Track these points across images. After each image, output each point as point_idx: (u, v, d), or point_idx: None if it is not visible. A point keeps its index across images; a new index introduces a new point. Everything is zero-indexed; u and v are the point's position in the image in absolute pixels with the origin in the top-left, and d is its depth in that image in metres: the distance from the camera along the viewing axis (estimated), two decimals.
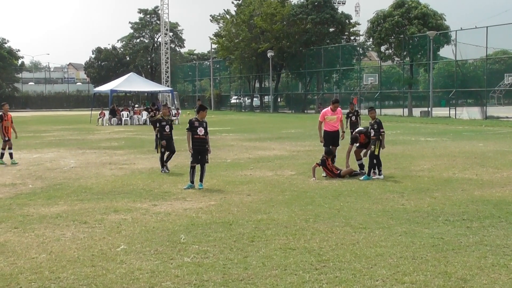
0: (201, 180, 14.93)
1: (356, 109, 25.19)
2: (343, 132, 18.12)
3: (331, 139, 17.40)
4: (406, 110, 61.96)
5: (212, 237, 9.64)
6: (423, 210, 11.77)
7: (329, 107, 17.69)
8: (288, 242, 9.26)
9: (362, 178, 16.17)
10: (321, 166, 16.67)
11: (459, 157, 21.00)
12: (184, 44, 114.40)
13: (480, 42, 53.56)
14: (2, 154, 20.78)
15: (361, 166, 16.97)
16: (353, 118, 24.98)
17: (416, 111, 61.10)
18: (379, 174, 16.36)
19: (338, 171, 16.69)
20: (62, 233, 10.10)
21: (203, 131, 14.88)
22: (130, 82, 56.80)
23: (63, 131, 39.96)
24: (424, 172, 17.41)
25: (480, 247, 8.87)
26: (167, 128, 18.24)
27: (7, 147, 20.88)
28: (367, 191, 14.12)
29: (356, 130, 18.03)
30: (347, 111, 25.58)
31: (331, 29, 75.52)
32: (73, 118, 63.98)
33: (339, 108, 17.65)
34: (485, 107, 53.02)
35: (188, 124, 15.02)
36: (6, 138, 20.84)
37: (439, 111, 58.06)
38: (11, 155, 20.92)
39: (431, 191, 14.04)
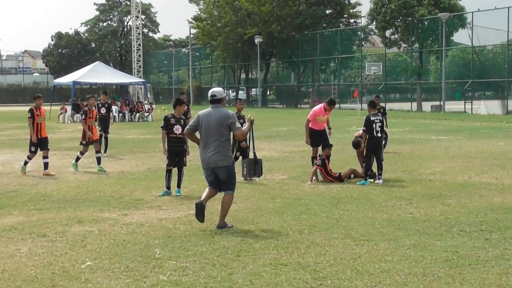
0: (178, 186, 14.92)
1: (383, 105, 24.16)
2: (330, 128, 18.17)
3: (318, 137, 17.50)
4: (414, 104, 62.23)
5: (192, 252, 9.63)
6: (435, 219, 11.82)
7: (322, 105, 17.69)
8: (280, 257, 9.27)
9: (359, 183, 16.23)
10: (321, 168, 16.74)
11: (476, 158, 21.10)
12: (159, 29, 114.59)
13: (501, 25, 53.93)
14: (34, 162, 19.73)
15: (381, 167, 16.96)
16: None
17: (427, 106, 61.37)
18: (378, 179, 16.40)
19: (337, 174, 16.74)
20: (17, 248, 10.05)
21: (180, 130, 14.86)
22: (96, 73, 56.59)
23: (18, 130, 39.75)
24: (436, 175, 17.47)
25: (501, 262, 8.90)
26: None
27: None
28: (370, 198, 14.16)
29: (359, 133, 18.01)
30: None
31: (328, 11, 75.84)
32: None
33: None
34: (506, 101, 53.23)
35: (162, 122, 15.00)
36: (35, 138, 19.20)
37: (453, 105, 58.27)
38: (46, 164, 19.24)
39: (444, 197, 14.09)
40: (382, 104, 23.33)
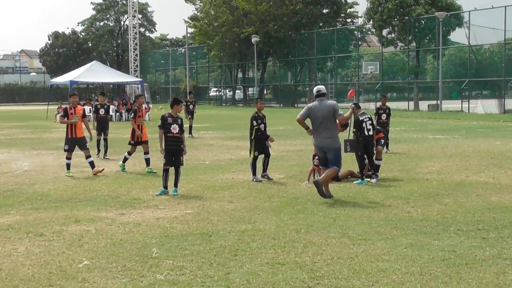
0: (175, 185, 14.92)
1: (388, 106, 23.85)
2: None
3: None
4: (411, 103, 62.20)
5: (189, 251, 9.63)
6: (432, 218, 11.83)
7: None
8: (277, 256, 9.28)
9: (355, 182, 16.25)
10: (318, 168, 16.76)
11: (473, 158, 21.12)
12: (156, 28, 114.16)
13: (498, 24, 53.88)
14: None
15: (377, 168, 16.97)
16: (384, 116, 22.82)
17: (424, 105, 61.37)
18: (372, 178, 16.40)
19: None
20: (14, 248, 10.05)
21: (178, 129, 14.87)
22: (93, 72, 56.51)
23: (15, 129, 39.76)
24: (433, 174, 17.49)
25: (498, 261, 8.92)
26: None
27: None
28: (367, 197, 14.18)
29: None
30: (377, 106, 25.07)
31: (324, 10, 75.65)
32: (27, 113, 63.67)
33: None
34: (503, 100, 53.24)
35: (160, 121, 15.00)
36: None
37: (450, 104, 58.31)
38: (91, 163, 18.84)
39: (441, 196, 14.11)
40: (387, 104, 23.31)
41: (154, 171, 18.46)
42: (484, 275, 8.29)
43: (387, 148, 22.19)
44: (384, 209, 12.74)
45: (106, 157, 22.42)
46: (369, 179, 16.37)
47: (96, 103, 23.89)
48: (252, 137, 17.09)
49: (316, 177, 16.83)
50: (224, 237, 10.49)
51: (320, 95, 14.51)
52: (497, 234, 10.54)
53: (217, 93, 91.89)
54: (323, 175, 14.22)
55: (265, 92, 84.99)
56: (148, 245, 10.02)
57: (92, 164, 18.57)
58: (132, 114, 19.66)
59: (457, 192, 14.62)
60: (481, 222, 11.44)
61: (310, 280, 8.15)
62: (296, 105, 74.19)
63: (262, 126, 17.15)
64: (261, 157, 17.18)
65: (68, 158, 18.69)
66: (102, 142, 23.30)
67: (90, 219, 12.11)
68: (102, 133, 23.55)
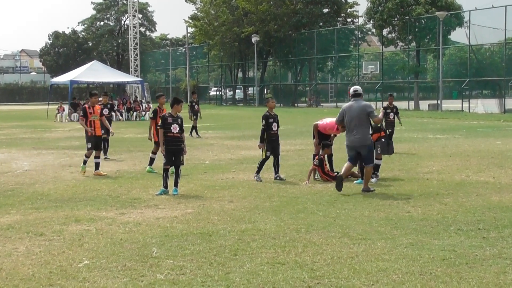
0: (175, 185, 14.91)
1: (395, 105, 23.98)
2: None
3: (323, 139, 17.43)
4: (412, 103, 62.26)
5: (189, 251, 9.63)
6: (432, 218, 11.83)
7: (334, 122, 17.17)
8: (277, 256, 9.27)
9: (356, 182, 16.24)
10: (318, 167, 16.76)
11: (474, 157, 21.11)
12: (156, 28, 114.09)
13: (498, 24, 53.88)
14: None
15: (377, 167, 16.92)
16: (391, 115, 23.36)
17: (424, 104, 61.40)
18: (372, 178, 16.31)
19: (335, 174, 16.75)
20: (15, 247, 10.05)
21: (178, 129, 14.86)
22: (93, 72, 56.53)
23: (15, 129, 39.77)
24: (433, 174, 17.49)
25: (499, 261, 8.91)
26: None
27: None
28: (367, 197, 14.17)
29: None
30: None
31: (325, 10, 75.68)
32: (27, 113, 63.69)
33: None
34: (503, 99, 53.25)
35: (160, 120, 14.97)
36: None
37: (450, 104, 58.32)
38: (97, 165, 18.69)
39: (441, 196, 14.10)
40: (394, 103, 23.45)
41: (155, 171, 18.27)
42: (485, 274, 8.29)
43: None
44: (385, 209, 12.74)
45: (106, 157, 22.30)
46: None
47: (100, 103, 23.67)
48: (265, 137, 17.04)
49: (316, 177, 16.87)
50: (224, 237, 10.48)
51: (356, 95, 15.11)
52: (498, 233, 10.53)
53: (217, 93, 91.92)
54: (365, 177, 15.04)
55: (265, 92, 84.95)
56: (148, 245, 10.02)
57: (97, 166, 18.50)
58: (152, 114, 19.45)
59: (457, 191, 14.62)
60: (482, 221, 11.43)
61: (310, 280, 8.15)
62: (296, 104, 74.21)
63: (274, 125, 17.04)
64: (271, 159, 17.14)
65: (88, 156, 18.57)
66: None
67: (90, 219, 12.11)
68: (107, 133, 23.38)
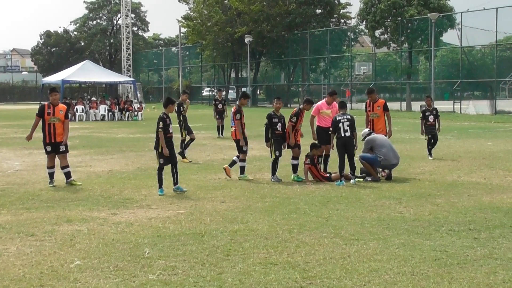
0: (177, 183, 14.95)
1: (435, 106, 22.89)
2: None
3: (326, 135, 17.37)
4: (404, 104, 62.34)
5: (181, 251, 9.63)
6: (424, 218, 11.85)
7: (324, 100, 17.91)
8: (269, 256, 9.28)
9: (336, 183, 16.21)
10: (310, 166, 16.77)
11: (465, 158, 21.17)
12: (148, 28, 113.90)
13: (489, 26, 54.00)
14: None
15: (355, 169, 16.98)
16: (431, 118, 22.21)
17: (416, 105, 61.39)
18: (350, 179, 16.32)
19: (328, 174, 16.77)
20: (5, 248, 10.02)
21: (171, 129, 14.96)
22: (85, 71, 56.52)
23: (6, 128, 39.61)
24: (425, 175, 17.52)
25: (489, 261, 8.94)
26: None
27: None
28: (359, 197, 14.19)
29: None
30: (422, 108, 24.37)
31: (318, 11, 75.73)
32: (18, 113, 63.49)
33: (335, 102, 17.81)
34: (494, 101, 53.45)
35: (161, 123, 14.84)
36: None
37: (442, 105, 58.19)
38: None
39: (433, 196, 14.13)
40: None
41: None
42: (476, 275, 8.31)
43: (430, 154, 21.41)
44: (377, 209, 12.76)
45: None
46: (348, 180, 16.26)
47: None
48: (270, 136, 17.06)
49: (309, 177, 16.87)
50: (216, 237, 10.48)
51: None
52: (488, 234, 10.57)
53: (210, 93, 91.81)
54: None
55: (258, 92, 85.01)
56: (140, 245, 10.01)
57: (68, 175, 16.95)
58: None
59: (449, 192, 14.66)
60: (473, 222, 11.47)
61: (302, 280, 8.15)
62: (289, 105, 74.11)
63: (279, 125, 17.03)
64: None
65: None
66: None
67: (82, 219, 12.09)
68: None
